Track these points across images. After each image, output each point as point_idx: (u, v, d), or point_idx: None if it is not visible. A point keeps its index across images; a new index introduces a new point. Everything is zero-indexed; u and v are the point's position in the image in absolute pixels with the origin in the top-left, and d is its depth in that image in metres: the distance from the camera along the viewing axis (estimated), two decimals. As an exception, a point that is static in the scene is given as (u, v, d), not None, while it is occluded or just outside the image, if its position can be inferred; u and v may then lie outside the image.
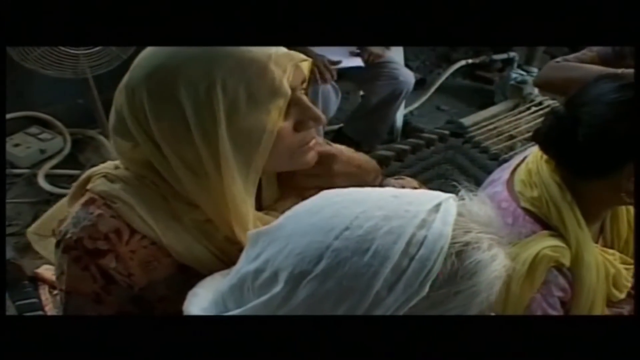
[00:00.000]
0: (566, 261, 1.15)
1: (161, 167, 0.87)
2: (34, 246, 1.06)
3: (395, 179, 1.19)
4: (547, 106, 2.89)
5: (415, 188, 1.03)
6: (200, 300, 0.75)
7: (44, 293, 1.46)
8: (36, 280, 1.47)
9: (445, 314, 0.65)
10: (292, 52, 0.87)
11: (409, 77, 3.03)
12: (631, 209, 1.28)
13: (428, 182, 2.16)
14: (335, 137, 3.19)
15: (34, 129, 3.10)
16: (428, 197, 0.69)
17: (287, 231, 0.68)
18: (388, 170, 2.20)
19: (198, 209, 0.88)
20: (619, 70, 1.57)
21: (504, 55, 4.12)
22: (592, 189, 1.17)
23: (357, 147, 2.85)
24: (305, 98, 0.90)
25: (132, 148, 0.90)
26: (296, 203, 0.75)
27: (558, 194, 1.17)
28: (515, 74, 3.47)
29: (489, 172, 1.44)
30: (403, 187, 1.14)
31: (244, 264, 0.71)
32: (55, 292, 1.39)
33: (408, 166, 2.31)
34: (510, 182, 1.27)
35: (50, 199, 2.75)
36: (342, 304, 0.63)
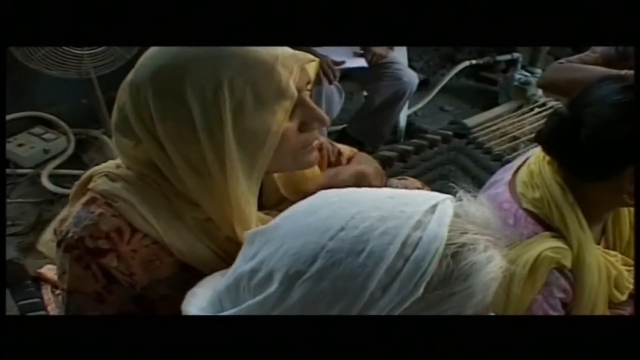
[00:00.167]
0: (568, 262, 1.15)
1: (163, 166, 0.87)
2: (42, 251, 1.06)
3: (398, 179, 1.19)
4: (551, 107, 2.89)
5: (419, 189, 1.04)
6: (199, 300, 0.75)
7: (47, 293, 1.46)
8: (39, 280, 1.47)
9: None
10: (299, 53, 0.87)
11: (412, 77, 3.03)
12: (633, 210, 1.28)
13: (431, 183, 2.16)
14: (339, 137, 3.19)
15: (37, 129, 3.10)
16: (424, 198, 0.68)
17: (283, 231, 0.68)
18: (391, 171, 2.20)
19: (199, 208, 0.88)
20: (623, 72, 1.56)
21: (507, 56, 4.11)
22: (594, 191, 1.17)
23: (361, 147, 2.87)
24: (310, 99, 0.91)
25: (134, 146, 0.90)
26: None
27: (560, 195, 1.17)
28: (519, 75, 3.47)
29: (492, 173, 1.44)
30: (406, 187, 1.14)
31: (240, 264, 0.71)
32: (58, 292, 1.39)
33: (411, 167, 2.31)
34: (512, 183, 1.27)
35: (54, 199, 2.76)
36: (337, 304, 0.63)
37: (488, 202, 0.70)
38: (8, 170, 2.91)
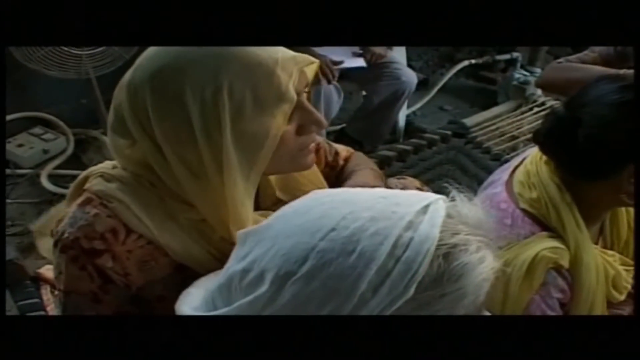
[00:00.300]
0: (565, 262, 1.15)
1: (159, 167, 0.87)
2: (36, 244, 1.06)
3: (397, 179, 1.19)
4: (550, 107, 2.89)
5: (418, 188, 1.03)
6: (192, 300, 0.75)
7: (46, 293, 1.46)
8: (38, 280, 1.47)
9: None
10: (298, 56, 0.87)
11: (411, 77, 3.03)
12: (631, 210, 1.28)
13: (430, 183, 2.16)
14: (338, 137, 3.19)
15: (37, 129, 3.11)
16: (417, 198, 0.68)
17: (274, 231, 0.68)
18: (390, 171, 2.21)
19: (194, 209, 0.88)
20: (621, 71, 1.56)
21: (507, 56, 4.11)
22: (591, 190, 1.17)
23: (360, 147, 2.87)
24: (308, 102, 0.90)
25: (129, 146, 0.90)
26: None
27: (557, 195, 1.17)
28: (518, 74, 3.47)
29: (491, 172, 1.44)
30: (405, 187, 1.14)
31: (232, 264, 0.71)
32: (57, 292, 1.39)
33: (410, 166, 2.32)
34: (509, 183, 1.27)
35: (53, 199, 2.76)
36: (327, 305, 0.62)
37: (481, 203, 0.70)
38: (8, 171, 2.92)
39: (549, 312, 1.15)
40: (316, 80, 2.73)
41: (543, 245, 1.14)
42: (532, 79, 3.27)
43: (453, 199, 0.69)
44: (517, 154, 1.79)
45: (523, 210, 1.20)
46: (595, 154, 1.11)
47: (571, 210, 1.16)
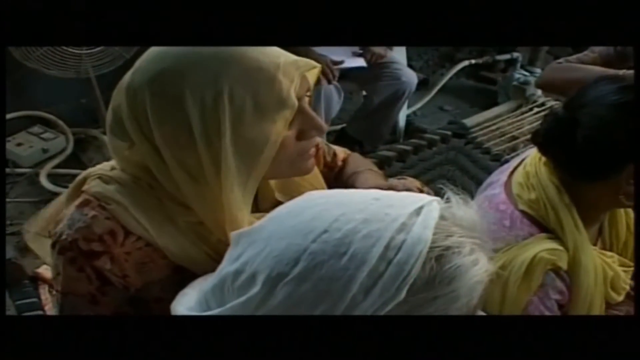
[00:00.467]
0: (563, 264, 1.14)
1: (157, 170, 0.86)
2: (29, 245, 1.06)
3: (398, 179, 1.19)
4: (550, 107, 2.89)
5: (418, 188, 1.03)
6: (188, 300, 0.75)
7: (44, 293, 1.46)
8: (36, 279, 1.47)
9: None
10: (300, 60, 0.86)
11: (411, 77, 3.03)
12: (630, 211, 1.28)
13: (430, 183, 2.15)
14: (338, 137, 3.19)
15: (36, 129, 3.11)
16: (410, 200, 0.68)
17: (267, 233, 0.68)
18: (390, 171, 2.20)
19: (192, 211, 0.88)
20: (621, 72, 1.56)
21: (507, 56, 4.11)
22: (590, 192, 1.17)
23: (360, 147, 2.87)
24: (309, 108, 0.90)
25: (128, 148, 0.90)
26: None
27: (556, 196, 1.17)
28: (519, 74, 3.47)
29: (491, 173, 1.44)
30: (404, 186, 1.14)
31: (226, 265, 0.71)
32: (55, 292, 1.39)
33: (410, 167, 2.30)
34: (508, 185, 1.27)
35: (52, 199, 2.74)
36: (319, 307, 0.62)
37: (480, 204, 0.70)
38: (7, 170, 2.92)
39: (547, 314, 1.15)
40: (316, 81, 2.72)
41: (541, 246, 1.14)
42: (532, 79, 3.27)
43: (448, 201, 0.69)
44: (517, 155, 1.79)
45: (522, 211, 1.20)
46: (594, 155, 1.11)
47: (570, 212, 1.16)
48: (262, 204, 0.98)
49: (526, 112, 3.08)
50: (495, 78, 4.07)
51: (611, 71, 1.61)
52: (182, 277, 0.87)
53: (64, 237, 0.87)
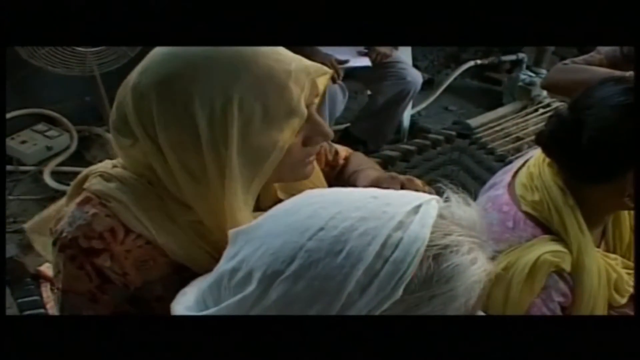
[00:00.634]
0: (567, 266, 1.14)
1: (160, 169, 0.86)
2: (32, 244, 1.06)
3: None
4: (555, 108, 2.88)
5: (420, 188, 1.03)
6: (187, 299, 0.75)
7: (46, 291, 1.46)
8: (38, 277, 1.47)
9: None
10: (311, 66, 0.85)
11: (416, 77, 3.03)
12: (633, 213, 1.27)
13: (433, 183, 2.14)
14: (342, 136, 3.19)
15: (40, 126, 3.12)
16: (408, 198, 0.67)
17: (263, 231, 0.68)
18: (394, 171, 2.19)
19: (193, 210, 0.87)
20: (627, 73, 1.55)
21: (512, 57, 4.10)
22: (595, 193, 1.16)
23: (364, 146, 2.86)
24: (317, 114, 0.90)
25: (131, 145, 0.90)
26: None
27: (560, 198, 1.16)
28: (524, 75, 3.46)
29: (495, 173, 1.43)
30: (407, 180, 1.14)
31: (223, 263, 0.70)
32: (56, 290, 1.39)
33: (414, 167, 2.30)
34: (511, 186, 1.26)
35: (56, 196, 2.76)
36: (314, 305, 0.62)
37: (483, 205, 0.69)
38: (11, 167, 2.93)
39: (550, 316, 1.14)
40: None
41: (545, 248, 1.13)
42: (537, 80, 3.27)
43: (447, 200, 0.68)
44: (521, 156, 1.78)
45: (525, 212, 1.20)
46: (598, 157, 1.11)
47: (573, 213, 1.15)
48: (263, 203, 0.98)
49: (531, 113, 3.07)
50: (501, 79, 4.06)
51: (617, 72, 1.60)
52: (183, 276, 0.86)
53: (64, 234, 0.87)
